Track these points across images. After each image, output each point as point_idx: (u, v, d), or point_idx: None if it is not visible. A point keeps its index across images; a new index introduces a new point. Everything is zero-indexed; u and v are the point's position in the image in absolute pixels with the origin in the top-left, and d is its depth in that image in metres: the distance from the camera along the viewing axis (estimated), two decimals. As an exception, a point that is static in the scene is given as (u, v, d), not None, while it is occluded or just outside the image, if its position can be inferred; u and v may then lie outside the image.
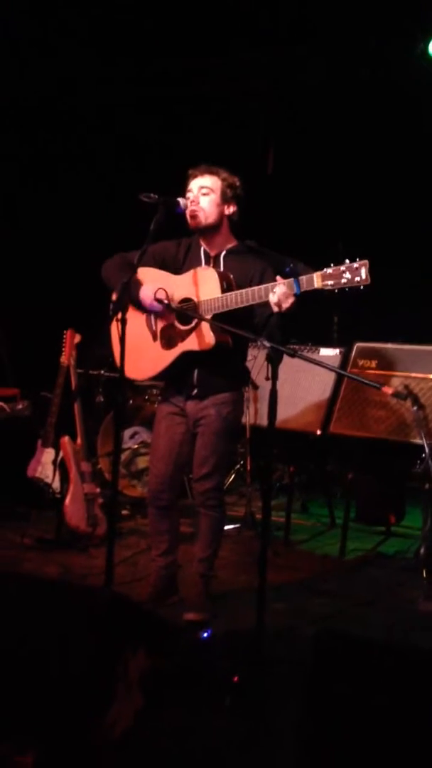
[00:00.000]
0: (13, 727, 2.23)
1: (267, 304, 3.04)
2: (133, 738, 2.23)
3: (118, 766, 2.20)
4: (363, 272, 2.84)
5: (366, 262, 2.84)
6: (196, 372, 3.31)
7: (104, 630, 2.33)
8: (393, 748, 1.94)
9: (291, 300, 3.00)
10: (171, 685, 2.47)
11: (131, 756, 2.23)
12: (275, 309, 3.02)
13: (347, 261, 2.86)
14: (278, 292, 2.99)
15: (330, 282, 2.89)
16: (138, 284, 3.26)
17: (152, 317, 3.36)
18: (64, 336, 4.66)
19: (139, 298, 3.26)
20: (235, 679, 2.61)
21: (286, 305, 3.00)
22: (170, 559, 3.47)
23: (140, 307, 3.29)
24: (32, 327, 5.39)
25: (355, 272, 2.85)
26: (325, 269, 2.90)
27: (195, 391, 3.33)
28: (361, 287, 2.85)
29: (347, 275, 2.85)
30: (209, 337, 3.18)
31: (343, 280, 2.86)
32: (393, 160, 5.68)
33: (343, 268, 2.87)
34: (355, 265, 2.85)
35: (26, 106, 5.77)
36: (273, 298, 3.00)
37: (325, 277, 2.90)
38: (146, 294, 3.25)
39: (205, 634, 3.06)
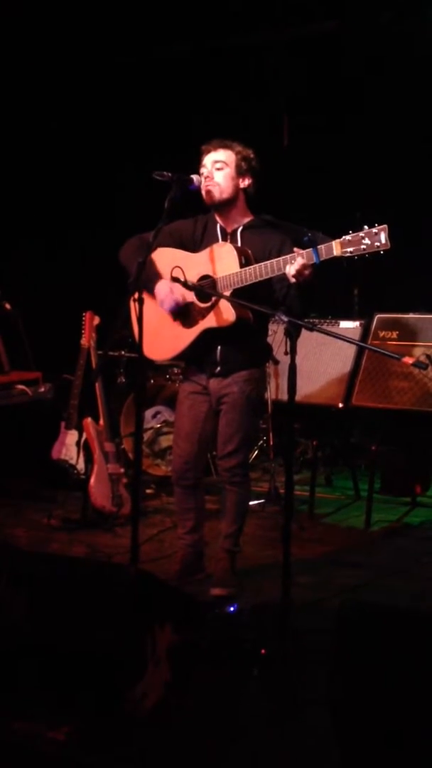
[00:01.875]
0: (46, 704, 2.26)
1: (286, 276, 3.01)
2: (163, 710, 2.24)
3: (148, 739, 2.21)
4: (382, 237, 2.81)
5: (385, 226, 2.81)
6: (219, 349, 3.28)
7: (131, 606, 2.34)
8: (421, 717, 1.93)
9: (309, 271, 2.96)
10: (199, 659, 2.47)
11: (161, 729, 2.24)
12: (293, 281, 2.99)
13: (366, 227, 2.82)
14: (296, 264, 2.95)
15: (350, 249, 2.85)
16: (153, 278, 3.24)
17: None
18: (84, 318, 4.67)
19: (154, 293, 3.25)
20: (263, 651, 2.61)
21: (304, 276, 2.96)
22: (196, 537, 3.47)
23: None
24: (52, 310, 5.40)
25: (375, 237, 2.81)
26: (344, 237, 2.87)
27: (218, 368, 3.31)
28: (381, 252, 2.82)
29: (367, 241, 2.82)
30: (229, 314, 3.15)
31: (363, 246, 2.83)
32: (410, 126, 5.56)
33: (362, 234, 2.83)
34: (374, 230, 2.81)
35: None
36: (291, 270, 2.97)
37: (344, 245, 2.87)
38: (161, 290, 3.24)
39: (232, 609, 3.06)
